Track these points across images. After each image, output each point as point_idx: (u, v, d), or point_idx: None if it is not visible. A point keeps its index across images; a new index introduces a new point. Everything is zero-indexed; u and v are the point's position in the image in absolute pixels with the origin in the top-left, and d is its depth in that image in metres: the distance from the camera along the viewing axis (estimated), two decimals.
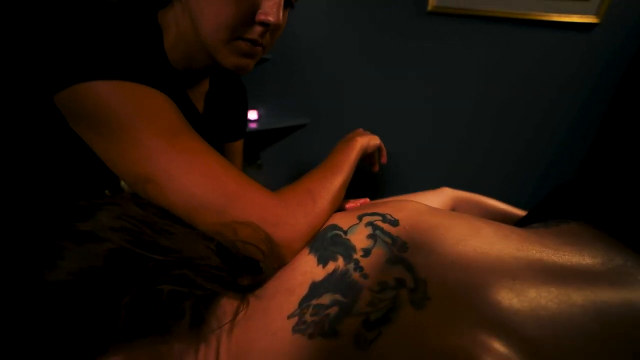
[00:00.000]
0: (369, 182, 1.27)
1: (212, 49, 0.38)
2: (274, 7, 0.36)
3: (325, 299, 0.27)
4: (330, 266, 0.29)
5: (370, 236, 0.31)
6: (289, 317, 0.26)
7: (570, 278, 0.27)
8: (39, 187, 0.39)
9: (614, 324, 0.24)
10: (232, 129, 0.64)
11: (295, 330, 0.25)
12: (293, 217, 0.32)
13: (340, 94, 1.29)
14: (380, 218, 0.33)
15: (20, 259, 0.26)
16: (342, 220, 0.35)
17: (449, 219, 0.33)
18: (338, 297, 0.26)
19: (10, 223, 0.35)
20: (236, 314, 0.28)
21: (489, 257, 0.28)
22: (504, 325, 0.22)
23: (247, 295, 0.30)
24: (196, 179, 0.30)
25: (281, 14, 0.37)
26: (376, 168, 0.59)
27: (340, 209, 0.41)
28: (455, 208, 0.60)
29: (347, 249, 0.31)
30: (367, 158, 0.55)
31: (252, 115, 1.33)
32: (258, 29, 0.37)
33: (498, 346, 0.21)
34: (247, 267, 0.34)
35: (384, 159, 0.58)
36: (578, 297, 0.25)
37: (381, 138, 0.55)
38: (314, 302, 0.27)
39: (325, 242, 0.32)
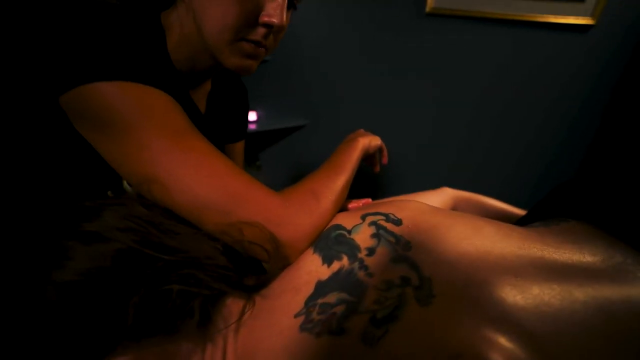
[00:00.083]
0: (369, 182, 1.27)
1: (216, 50, 0.39)
2: (278, 8, 0.36)
3: (332, 297, 0.27)
4: (335, 265, 0.30)
5: (374, 235, 0.32)
6: (295, 316, 0.26)
7: (572, 275, 0.27)
8: (42, 188, 0.39)
9: (616, 320, 0.24)
10: (233, 130, 0.64)
11: (302, 328, 0.25)
12: (297, 217, 0.32)
13: (339, 95, 1.30)
14: (383, 217, 0.34)
15: (28, 259, 0.26)
16: (345, 220, 0.35)
17: (451, 218, 0.33)
18: (344, 295, 0.27)
19: (14, 223, 0.35)
20: (242, 313, 0.28)
21: (491, 255, 0.28)
22: (509, 321, 0.22)
23: (253, 295, 0.31)
24: (201, 180, 0.31)
25: (285, 16, 0.37)
26: (377, 168, 0.60)
27: (342, 209, 0.41)
28: (456, 207, 0.60)
29: (352, 248, 0.31)
30: (368, 158, 0.56)
31: (251, 116, 1.34)
32: (261, 30, 0.38)
33: (503, 341, 0.21)
34: (251, 267, 0.34)
35: (385, 160, 0.58)
36: (580, 294, 0.26)
37: (381, 139, 0.55)
38: (320, 300, 0.27)
39: (330, 241, 0.33)
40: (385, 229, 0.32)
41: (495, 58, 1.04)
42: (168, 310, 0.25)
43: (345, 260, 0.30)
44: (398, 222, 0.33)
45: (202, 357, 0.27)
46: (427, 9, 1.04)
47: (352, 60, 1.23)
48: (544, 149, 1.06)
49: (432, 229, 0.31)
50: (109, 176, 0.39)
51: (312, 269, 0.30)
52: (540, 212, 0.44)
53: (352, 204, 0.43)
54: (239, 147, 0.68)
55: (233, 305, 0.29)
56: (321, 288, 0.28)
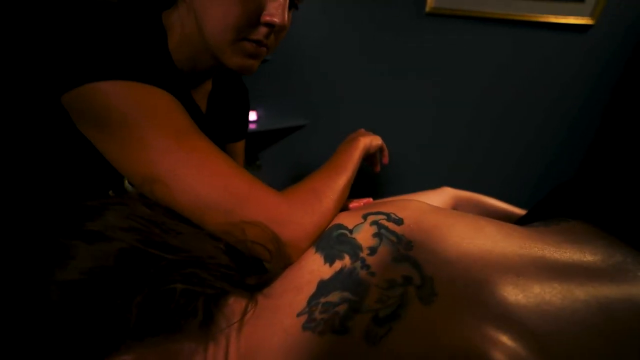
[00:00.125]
0: (369, 182, 1.27)
1: (217, 49, 0.39)
2: (279, 8, 0.36)
3: (334, 296, 0.27)
4: (337, 264, 0.30)
5: (375, 235, 0.32)
6: (298, 315, 0.26)
7: (573, 274, 0.28)
8: (43, 188, 0.39)
9: (617, 319, 0.25)
10: (234, 130, 0.64)
11: (305, 327, 0.25)
12: (300, 216, 0.33)
13: (339, 95, 1.30)
14: (384, 217, 0.34)
15: (31, 258, 0.26)
16: (347, 220, 0.35)
17: (452, 217, 0.34)
18: (347, 294, 0.27)
19: (16, 223, 0.35)
20: (245, 312, 0.28)
21: (492, 255, 0.29)
22: (511, 319, 0.23)
23: (255, 294, 0.31)
24: (204, 179, 0.31)
25: (286, 15, 0.37)
26: (378, 168, 0.60)
27: (344, 208, 0.41)
28: (456, 207, 0.60)
29: (354, 248, 0.31)
30: (368, 158, 0.56)
31: (251, 116, 1.34)
32: (263, 29, 0.38)
33: (505, 340, 0.21)
34: (252, 266, 0.34)
35: (386, 160, 0.58)
36: (581, 293, 0.26)
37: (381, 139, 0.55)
38: (322, 299, 0.27)
39: (331, 241, 0.33)
40: (386, 228, 0.32)
41: (495, 58, 1.04)
42: (171, 309, 0.25)
43: (347, 260, 0.30)
44: (399, 222, 0.33)
45: (204, 356, 0.27)
46: (427, 9, 1.04)
47: (352, 60, 1.23)
48: (544, 149, 1.06)
49: (434, 228, 0.31)
50: (110, 176, 0.39)
51: (314, 268, 0.30)
52: (540, 211, 0.44)
53: (353, 204, 0.43)
54: (240, 146, 0.68)
55: (235, 304, 0.29)
56: (323, 287, 0.28)
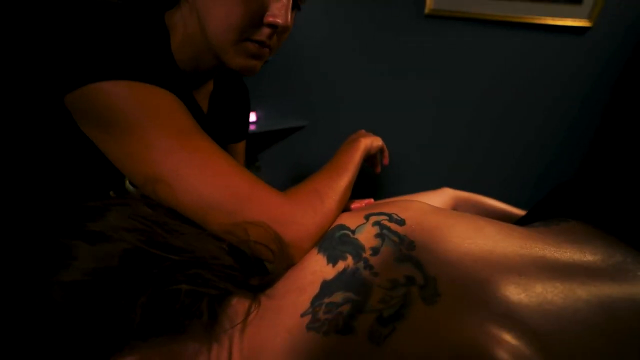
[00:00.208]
0: (370, 182, 1.28)
1: (220, 50, 0.39)
2: (283, 9, 0.36)
3: (337, 297, 0.27)
4: (340, 265, 0.30)
5: (378, 235, 0.32)
6: (302, 316, 0.27)
7: (574, 274, 0.28)
8: (44, 188, 0.39)
9: (618, 318, 0.25)
10: (235, 130, 0.64)
11: (309, 328, 0.25)
12: (302, 216, 0.33)
13: (339, 96, 1.30)
14: (386, 217, 0.34)
15: (33, 259, 0.26)
16: (349, 220, 0.35)
17: (453, 218, 0.34)
18: (350, 295, 0.27)
19: (17, 223, 0.34)
20: (248, 313, 0.28)
21: (494, 255, 0.29)
22: (514, 318, 0.23)
23: (258, 295, 0.31)
24: (207, 179, 0.31)
25: (289, 16, 0.38)
26: (378, 169, 0.60)
27: (345, 209, 0.41)
28: (456, 208, 0.61)
29: (356, 248, 0.31)
30: (369, 159, 0.56)
31: (251, 117, 1.33)
32: (266, 30, 0.38)
33: (509, 338, 0.21)
34: (254, 267, 0.34)
35: (386, 160, 0.59)
36: (582, 292, 0.26)
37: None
38: (326, 300, 0.27)
39: (334, 241, 0.33)
40: (389, 228, 0.32)
41: (494, 59, 1.05)
42: (176, 310, 0.25)
43: (349, 260, 0.30)
44: (401, 222, 0.33)
45: (208, 357, 0.27)
46: (426, 11, 1.05)
47: (351, 61, 1.23)
48: (544, 149, 1.07)
49: (435, 228, 0.32)
50: (111, 176, 0.38)
51: (317, 268, 0.31)
52: (540, 212, 0.44)
53: (355, 204, 0.43)
54: (241, 147, 0.68)
55: (238, 305, 0.29)
56: (327, 288, 0.28)
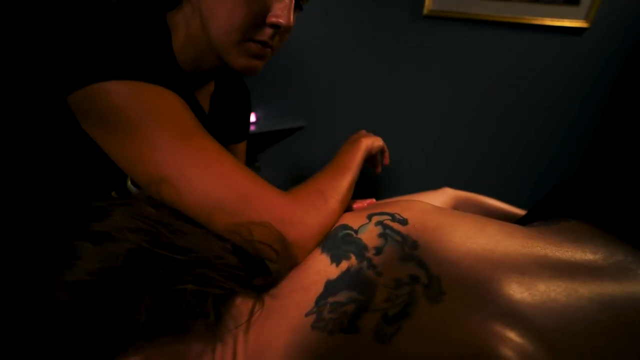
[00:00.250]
0: (370, 183, 1.28)
1: (222, 50, 0.39)
2: (285, 9, 0.37)
3: (342, 296, 0.27)
4: (344, 265, 0.30)
5: (381, 235, 0.32)
6: (306, 315, 0.27)
7: (576, 273, 0.28)
8: (45, 188, 0.39)
9: (619, 317, 0.25)
10: (236, 130, 0.64)
11: (314, 327, 0.25)
12: (306, 216, 0.33)
13: (338, 97, 1.30)
14: (389, 217, 0.34)
15: (36, 259, 0.26)
16: (352, 220, 0.35)
17: (455, 217, 0.34)
18: (354, 294, 0.27)
19: (19, 223, 0.34)
20: (252, 313, 0.28)
21: (496, 254, 0.29)
22: (518, 316, 0.23)
23: (262, 295, 0.31)
24: (211, 179, 0.31)
25: (292, 16, 0.38)
26: (379, 169, 0.60)
27: (347, 209, 0.41)
28: (456, 207, 0.61)
29: (359, 248, 0.31)
30: (370, 159, 0.56)
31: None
32: (268, 30, 0.38)
33: (513, 336, 0.21)
34: (257, 267, 0.34)
35: (387, 161, 0.59)
36: (584, 291, 0.26)
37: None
38: (330, 299, 0.27)
39: (337, 241, 0.33)
40: (391, 228, 0.33)
41: (493, 59, 1.05)
42: (181, 310, 0.25)
43: (353, 260, 0.30)
44: (404, 222, 0.33)
45: (212, 357, 0.27)
46: (425, 12, 1.05)
47: (350, 61, 1.23)
48: (543, 149, 1.08)
49: (438, 228, 0.32)
50: (112, 177, 0.38)
51: (321, 268, 0.31)
52: (540, 211, 0.45)
53: (357, 204, 0.43)
54: (241, 147, 0.68)
55: (243, 305, 0.30)
56: (331, 287, 0.28)
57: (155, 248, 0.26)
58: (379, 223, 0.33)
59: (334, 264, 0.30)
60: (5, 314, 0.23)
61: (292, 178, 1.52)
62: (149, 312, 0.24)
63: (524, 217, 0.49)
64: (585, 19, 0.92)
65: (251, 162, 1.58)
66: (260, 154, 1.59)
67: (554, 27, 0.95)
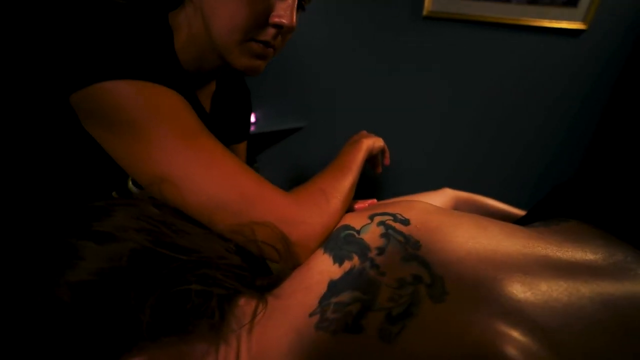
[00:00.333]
0: (370, 183, 1.28)
1: (224, 50, 0.39)
2: (288, 9, 0.37)
3: (345, 296, 0.27)
4: (347, 265, 0.30)
5: (383, 235, 0.32)
6: (310, 315, 0.27)
7: (577, 272, 0.28)
8: (46, 188, 0.39)
9: (620, 316, 0.25)
10: (236, 131, 0.64)
11: (318, 327, 0.25)
12: (309, 216, 0.33)
13: (337, 97, 1.30)
14: (391, 217, 0.34)
15: (39, 259, 0.26)
16: (354, 221, 0.35)
17: (456, 217, 0.34)
18: (358, 294, 0.27)
19: (20, 223, 0.34)
20: (255, 313, 0.28)
21: (497, 254, 0.29)
22: (521, 315, 0.23)
23: (265, 295, 0.31)
24: (213, 179, 0.31)
25: (295, 17, 0.38)
26: (379, 170, 0.60)
27: (349, 209, 0.42)
28: (456, 208, 0.61)
29: (362, 248, 0.31)
30: (370, 160, 0.56)
31: None
32: (271, 30, 0.38)
33: (517, 335, 0.22)
34: (259, 267, 0.34)
35: (387, 161, 0.59)
36: (586, 290, 0.26)
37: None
38: (334, 300, 0.27)
39: (340, 241, 0.33)
40: (394, 228, 0.33)
41: (492, 60, 1.06)
42: (186, 310, 0.25)
43: (356, 260, 0.30)
44: (406, 222, 0.33)
45: (216, 357, 0.27)
46: (424, 13, 1.06)
47: (350, 62, 1.23)
48: (543, 149, 1.08)
49: (439, 228, 0.32)
50: (113, 177, 0.38)
51: (324, 268, 0.31)
52: (540, 212, 0.45)
53: (359, 205, 0.43)
54: (242, 147, 0.68)
55: (246, 305, 0.30)
56: (334, 287, 0.28)
57: (159, 248, 0.26)
58: (381, 223, 0.34)
59: (337, 264, 0.31)
60: (9, 314, 0.23)
61: (291, 178, 1.52)
62: (153, 312, 0.24)
63: (523, 217, 0.50)
64: (583, 20, 0.93)
65: (250, 162, 1.58)
66: (260, 155, 1.58)
67: (552, 28, 0.96)
